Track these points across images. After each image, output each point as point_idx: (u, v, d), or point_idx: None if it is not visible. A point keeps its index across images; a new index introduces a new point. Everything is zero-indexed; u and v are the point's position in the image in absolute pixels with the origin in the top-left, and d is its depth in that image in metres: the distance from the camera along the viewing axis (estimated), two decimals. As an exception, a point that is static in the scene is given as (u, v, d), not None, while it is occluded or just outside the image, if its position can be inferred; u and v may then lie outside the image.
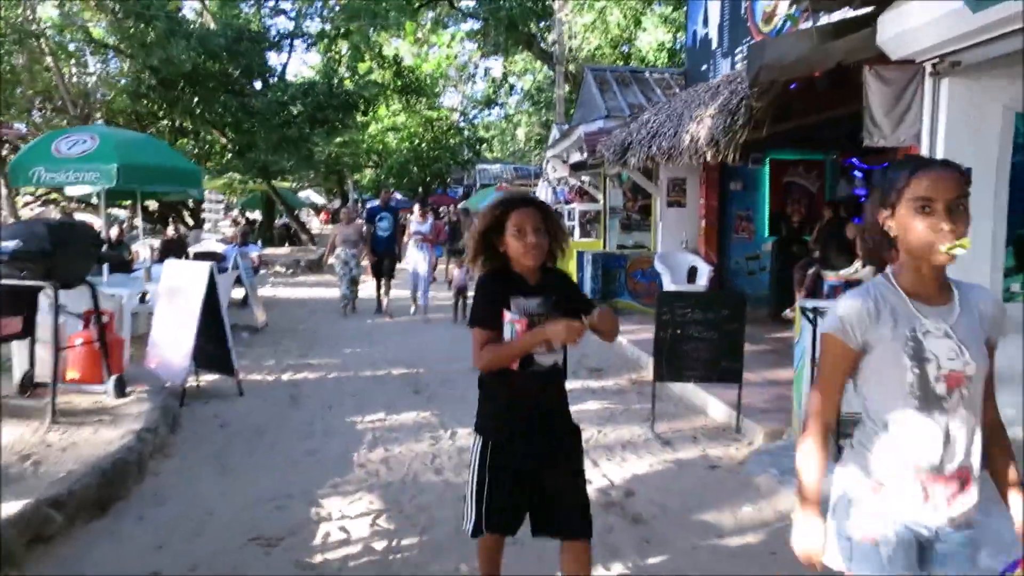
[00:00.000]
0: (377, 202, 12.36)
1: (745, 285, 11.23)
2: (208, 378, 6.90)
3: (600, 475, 4.77)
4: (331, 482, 4.64)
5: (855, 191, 10.08)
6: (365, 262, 11.91)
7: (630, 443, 5.43)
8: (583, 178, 16.62)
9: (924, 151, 4.76)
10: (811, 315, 4.96)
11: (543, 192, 17.86)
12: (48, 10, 21.27)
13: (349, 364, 8.05)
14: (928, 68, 4.62)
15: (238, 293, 10.84)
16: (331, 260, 11.98)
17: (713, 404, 6.19)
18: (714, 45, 9.96)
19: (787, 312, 9.25)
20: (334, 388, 7.02)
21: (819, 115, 7.53)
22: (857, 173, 10.04)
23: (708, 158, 6.16)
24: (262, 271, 18.87)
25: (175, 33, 19.64)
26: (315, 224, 40.60)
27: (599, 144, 10.64)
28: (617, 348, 9.10)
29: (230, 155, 22.40)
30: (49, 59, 22.24)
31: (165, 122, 22.54)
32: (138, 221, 11.93)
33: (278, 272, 18.75)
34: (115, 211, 29.76)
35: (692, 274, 11.01)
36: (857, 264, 8.45)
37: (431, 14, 30.51)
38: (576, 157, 15.56)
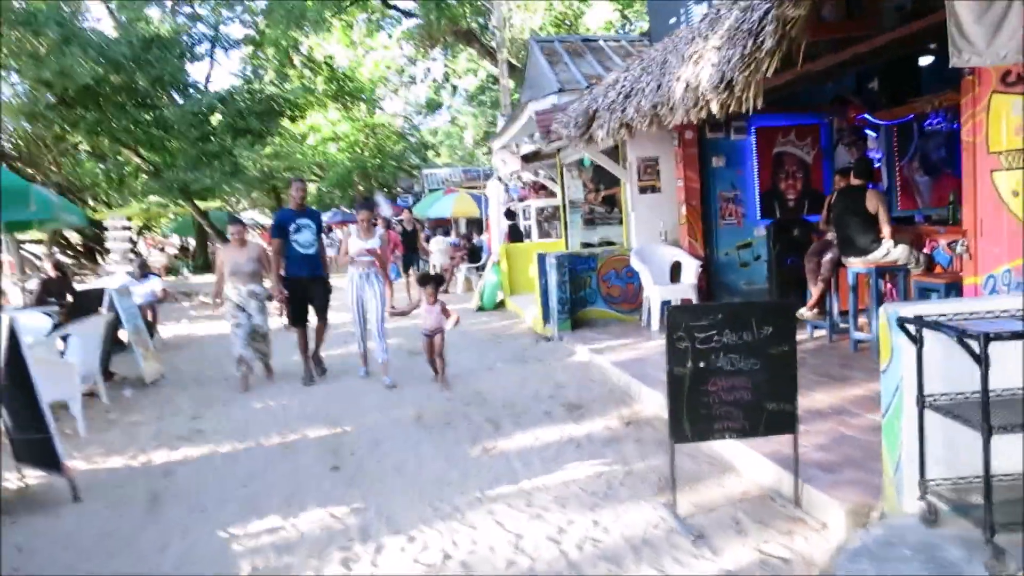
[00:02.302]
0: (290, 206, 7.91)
1: (738, 279, 9.50)
2: (38, 476, 4.90)
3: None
4: None
5: (867, 153, 8.41)
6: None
7: (646, 543, 3.59)
8: (538, 171, 14.84)
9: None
10: (915, 329, 3.18)
11: (494, 191, 16.01)
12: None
13: (252, 427, 6.10)
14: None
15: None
16: (219, 304, 7.77)
17: (748, 457, 4.40)
18: (683, -8, 8.23)
19: (802, 312, 7.52)
20: (220, 473, 5.06)
21: (833, 56, 5.81)
22: (870, 132, 8.37)
23: (714, 109, 4.36)
24: (186, 304, 16.77)
25: (70, 42, 17.44)
26: (262, 245, 38.15)
27: (554, 123, 8.83)
28: (599, 374, 7.27)
29: (145, 176, 20.22)
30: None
31: (81, 144, 20.34)
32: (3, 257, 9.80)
33: (204, 303, 16.59)
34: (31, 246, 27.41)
35: (676, 271, 9.27)
36: (888, 244, 6.75)
37: (363, 16, 28.62)
38: (528, 147, 13.80)
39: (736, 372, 3.75)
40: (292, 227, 7.48)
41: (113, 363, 8.34)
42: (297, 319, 7.66)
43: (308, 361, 7.73)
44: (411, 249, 14.34)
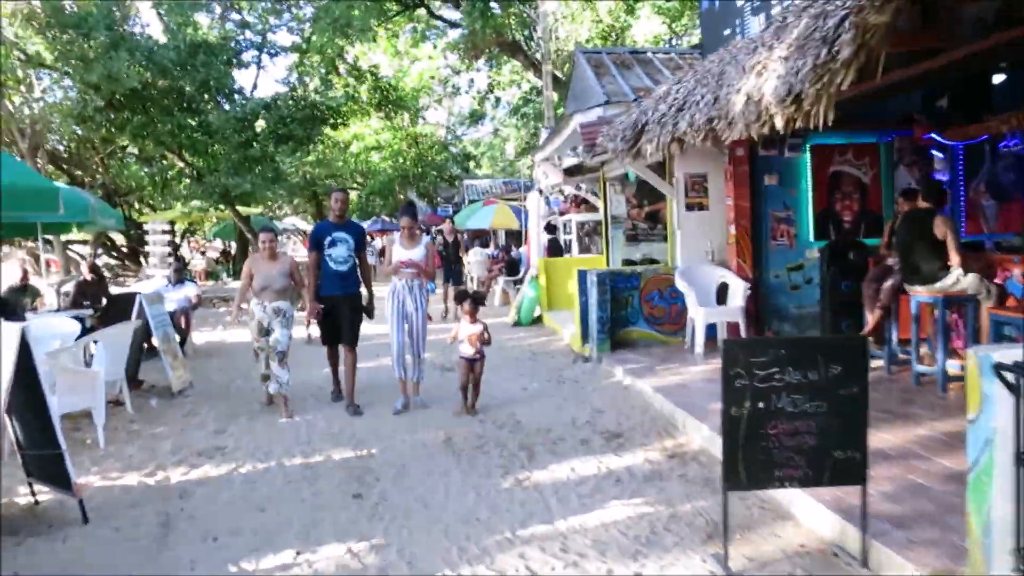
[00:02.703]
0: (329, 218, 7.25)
1: (788, 303, 9.06)
2: (49, 493, 4.67)
3: None
4: None
5: (934, 175, 7.94)
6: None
7: (694, 603, 3.23)
8: (580, 184, 14.52)
9: None
10: (1015, 378, 2.78)
11: (534, 203, 15.70)
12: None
13: (274, 445, 5.84)
14: None
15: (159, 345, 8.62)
16: (244, 318, 7.23)
17: (806, 504, 4.00)
18: (738, 1, 7.84)
19: (860, 339, 7.05)
20: (237, 495, 4.78)
21: (903, 70, 5.40)
22: (937, 152, 7.90)
23: (778, 124, 4.00)
24: (223, 310, 16.67)
25: (118, 46, 17.54)
26: (301, 252, 38.36)
27: (599, 136, 8.50)
28: (640, 400, 6.89)
29: (188, 180, 20.27)
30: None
31: (128, 147, 20.49)
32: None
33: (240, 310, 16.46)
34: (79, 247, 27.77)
35: (722, 293, 8.86)
36: (957, 272, 6.29)
37: (409, 26, 28.63)
38: (570, 160, 13.49)
39: (799, 415, 3.37)
40: (328, 240, 6.91)
41: (142, 371, 8.20)
42: (328, 338, 7.19)
43: (339, 380, 7.27)
44: (452, 261, 13.92)
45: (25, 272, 10.12)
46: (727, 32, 8.15)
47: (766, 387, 3.35)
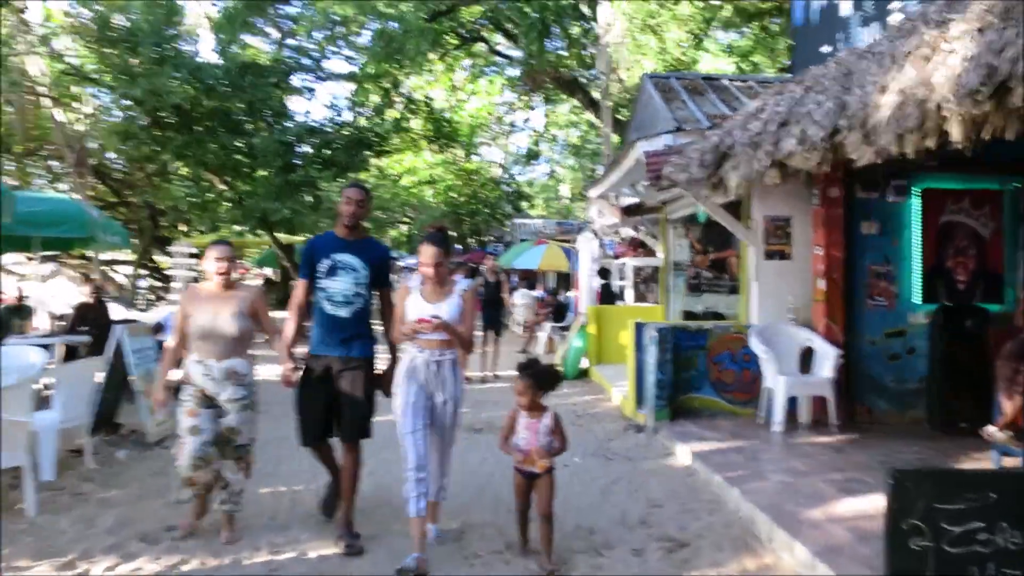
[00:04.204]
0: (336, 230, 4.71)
1: (885, 375, 7.59)
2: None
3: None
4: None
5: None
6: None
7: None
8: (638, 226, 13.23)
9: None
10: None
11: (586, 244, 14.44)
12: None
13: (242, 533, 4.60)
14: None
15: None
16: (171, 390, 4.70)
17: None
18: (843, 11, 6.55)
19: (991, 430, 5.56)
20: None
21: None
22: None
23: (955, 134, 2.69)
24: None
25: (164, 62, 17.01)
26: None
27: (667, 166, 7.22)
28: (709, 492, 5.49)
29: (228, 203, 19.54)
30: (48, 101, 20.03)
31: (176, 165, 19.96)
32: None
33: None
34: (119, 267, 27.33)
35: (805, 358, 7.44)
36: None
37: (467, 62, 27.97)
38: (628, 199, 12.23)
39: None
40: (326, 264, 4.46)
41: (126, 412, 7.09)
42: (309, 433, 4.51)
43: (336, 470, 4.66)
44: (494, 305, 12.32)
45: (20, 291, 9.20)
46: (826, 49, 6.85)
47: (963, 552, 2.00)
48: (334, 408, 4.44)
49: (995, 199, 7.59)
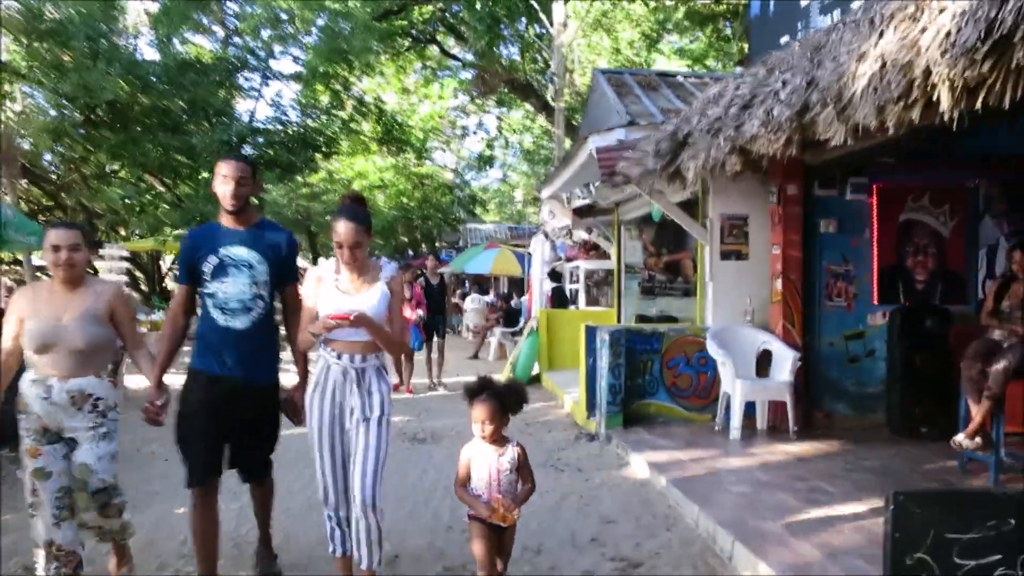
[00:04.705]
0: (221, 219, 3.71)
1: (845, 379, 7.35)
2: None
3: None
4: None
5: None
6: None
7: None
8: (591, 228, 12.90)
9: None
10: None
11: (538, 247, 14.08)
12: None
13: (146, 554, 4.08)
14: None
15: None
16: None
17: None
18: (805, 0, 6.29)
19: (960, 439, 5.28)
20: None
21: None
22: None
23: (944, 103, 2.34)
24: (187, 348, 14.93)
25: (97, 56, 16.22)
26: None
27: (620, 162, 6.87)
28: (665, 507, 5.11)
29: (166, 205, 18.77)
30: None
31: (113, 166, 19.11)
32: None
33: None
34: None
35: (763, 362, 7.14)
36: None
37: (418, 65, 27.57)
38: (580, 200, 11.91)
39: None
40: (210, 263, 3.52)
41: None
42: (198, 470, 3.53)
43: (209, 553, 3.60)
44: (437, 310, 11.65)
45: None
46: (785, 40, 6.58)
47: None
48: (228, 440, 3.56)
49: (955, 196, 7.40)
